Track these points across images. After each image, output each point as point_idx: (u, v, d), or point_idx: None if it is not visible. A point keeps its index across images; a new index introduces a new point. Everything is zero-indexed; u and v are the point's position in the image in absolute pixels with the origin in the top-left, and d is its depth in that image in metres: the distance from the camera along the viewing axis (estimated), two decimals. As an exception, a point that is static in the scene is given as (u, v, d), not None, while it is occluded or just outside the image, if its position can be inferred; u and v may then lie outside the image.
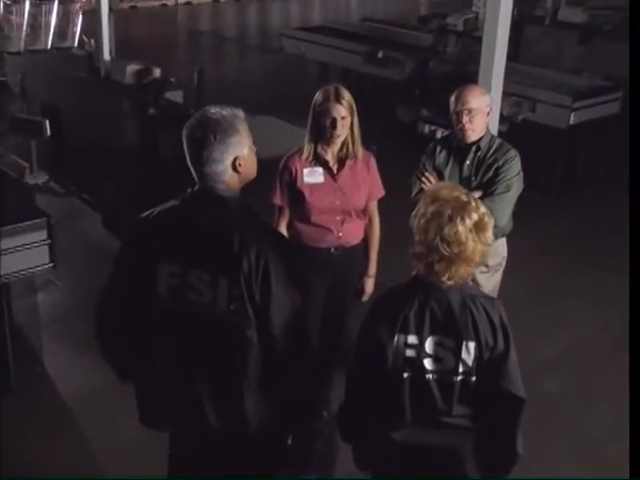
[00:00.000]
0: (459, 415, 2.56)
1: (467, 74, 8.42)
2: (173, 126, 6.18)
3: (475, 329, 2.49)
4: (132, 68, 6.34)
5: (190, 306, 2.58)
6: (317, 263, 3.79)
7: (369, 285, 4.11)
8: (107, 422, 4.24)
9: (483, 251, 2.47)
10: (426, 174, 4.07)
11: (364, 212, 3.97)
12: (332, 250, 3.87)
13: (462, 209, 2.43)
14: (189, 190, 2.62)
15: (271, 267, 2.49)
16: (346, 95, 3.71)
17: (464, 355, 2.50)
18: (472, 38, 8.89)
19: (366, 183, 3.91)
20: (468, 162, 4.01)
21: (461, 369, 2.51)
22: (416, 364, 2.52)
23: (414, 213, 2.51)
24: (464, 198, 2.47)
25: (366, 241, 4.04)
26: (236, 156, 2.54)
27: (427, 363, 2.52)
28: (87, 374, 4.60)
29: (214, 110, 2.55)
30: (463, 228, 2.41)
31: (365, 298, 4.10)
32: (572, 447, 4.20)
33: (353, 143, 3.80)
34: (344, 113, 3.68)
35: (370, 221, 4.03)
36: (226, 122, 2.52)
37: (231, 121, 2.54)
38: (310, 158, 3.80)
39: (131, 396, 4.30)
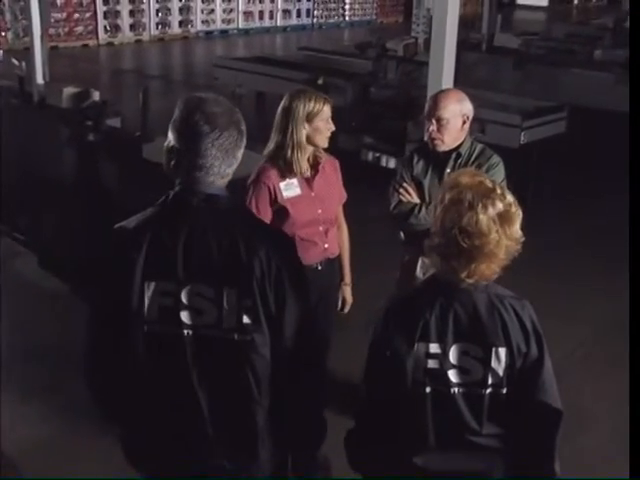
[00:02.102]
0: (488, 434, 2.26)
1: (410, 99, 8.37)
2: (116, 153, 5.90)
3: (505, 333, 2.21)
4: (69, 91, 5.92)
5: (187, 329, 2.20)
6: None
7: (348, 294, 3.87)
8: (53, 475, 3.79)
9: (508, 247, 2.17)
10: (404, 185, 3.81)
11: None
12: (317, 266, 3.57)
13: (484, 196, 2.14)
14: (172, 192, 2.24)
15: (283, 268, 2.17)
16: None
17: (494, 364, 2.21)
18: (413, 63, 8.79)
19: (337, 187, 3.72)
20: (449, 170, 3.75)
21: (490, 380, 2.22)
22: (439, 377, 2.22)
23: (433, 203, 2.24)
24: (488, 184, 2.19)
25: (339, 248, 3.78)
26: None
27: (452, 375, 2.22)
28: (31, 425, 4.23)
29: (221, 99, 2.23)
30: (485, 217, 2.12)
31: (347, 309, 3.88)
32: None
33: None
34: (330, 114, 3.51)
35: (339, 227, 3.80)
36: (239, 115, 2.23)
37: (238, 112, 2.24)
38: (284, 169, 3.50)
39: (79, 447, 3.90)
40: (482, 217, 2.12)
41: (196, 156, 2.16)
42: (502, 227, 2.14)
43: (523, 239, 2.21)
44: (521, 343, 2.21)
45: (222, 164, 2.19)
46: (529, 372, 2.22)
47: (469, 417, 2.24)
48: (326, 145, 3.53)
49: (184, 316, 2.20)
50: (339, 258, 3.79)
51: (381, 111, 8.70)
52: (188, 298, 2.19)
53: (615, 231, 6.88)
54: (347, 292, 3.88)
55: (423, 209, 3.71)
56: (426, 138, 3.77)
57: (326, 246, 3.60)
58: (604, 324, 5.48)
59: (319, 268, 3.58)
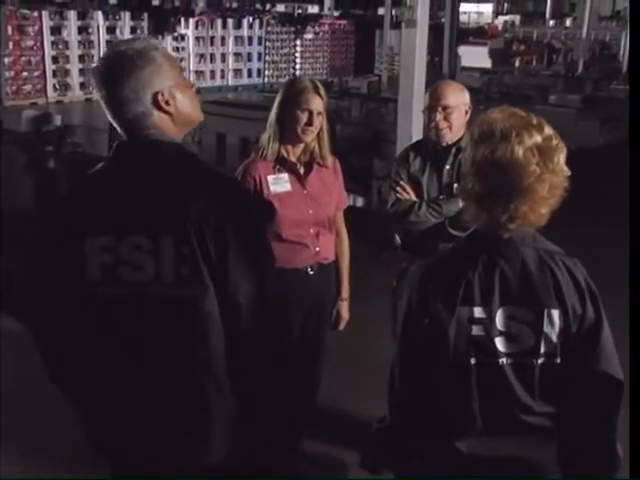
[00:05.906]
0: (542, 412, 1.97)
1: (375, 135, 8.26)
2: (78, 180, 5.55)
3: (558, 293, 1.93)
4: (28, 114, 5.57)
5: (127, 288, 1.99)
6: (292, 288, 3.17)
7: (345, 310, 3.53)
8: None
9: (552, 183, 1.86)
10: (401, 183, 3.59)
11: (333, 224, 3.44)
12: (309, 270, 3.27)
13: (519, 126, 1.86)
14: (116, 142, 2.08)
15: (225, 212, 1.96)
16: (323, 89, 3.24)
17: (546, 328, 1.93)
18: (377, 100, 8.72)
19: (335, 189, 3.42)
20: (448, 167, 3.53)
21: (543, 348, 1.94)
22: (485, 346, 1.94)
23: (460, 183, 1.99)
24: (522, 114, 1.92)
25: (336, 259, 3.48)
26: (155, 91, 2.00)
27: (499, 343, 1.94)
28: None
29: (122, 43, 2.05)
30: (521, 147, 1.83)
31: (342, 326, 3.54)
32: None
33: (320, 148, 3.28)
34: (321, 109, 3.18)
35: (338, 235, 3.49)
36: (135, 52, 2.01)
37: (141, 50, 2.02)
38: (274, 162, 3.24)
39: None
40: (517, 147, 1.84)
41: (111, 106, 2.02)
42: (542, 160, 1.85)
43: (569, 174, 1.92)
44: (576, 304, 1.93)
45: (134, 107, 2.00)
46: (586, 338, 1.94)
47: (521, 392, 1.95)
48: (305, 140, 3.22)
49: (123, 272, 1.99)
50: (337, 270, 3.51)
51: (346, 149, 8.56)
52: (127, 252, 1.98)
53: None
54: (344, 308, 3.55)
55: (423, 205, 3.50)
56: (430, 131, 3.55)
57: (317, 249, 3.30)
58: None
59: (310, 272, 3.30)
